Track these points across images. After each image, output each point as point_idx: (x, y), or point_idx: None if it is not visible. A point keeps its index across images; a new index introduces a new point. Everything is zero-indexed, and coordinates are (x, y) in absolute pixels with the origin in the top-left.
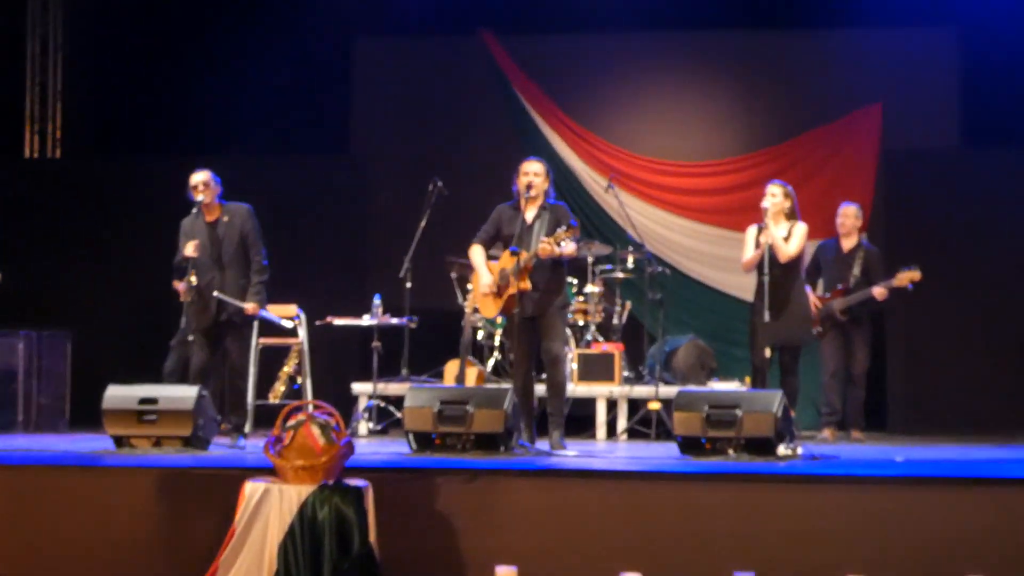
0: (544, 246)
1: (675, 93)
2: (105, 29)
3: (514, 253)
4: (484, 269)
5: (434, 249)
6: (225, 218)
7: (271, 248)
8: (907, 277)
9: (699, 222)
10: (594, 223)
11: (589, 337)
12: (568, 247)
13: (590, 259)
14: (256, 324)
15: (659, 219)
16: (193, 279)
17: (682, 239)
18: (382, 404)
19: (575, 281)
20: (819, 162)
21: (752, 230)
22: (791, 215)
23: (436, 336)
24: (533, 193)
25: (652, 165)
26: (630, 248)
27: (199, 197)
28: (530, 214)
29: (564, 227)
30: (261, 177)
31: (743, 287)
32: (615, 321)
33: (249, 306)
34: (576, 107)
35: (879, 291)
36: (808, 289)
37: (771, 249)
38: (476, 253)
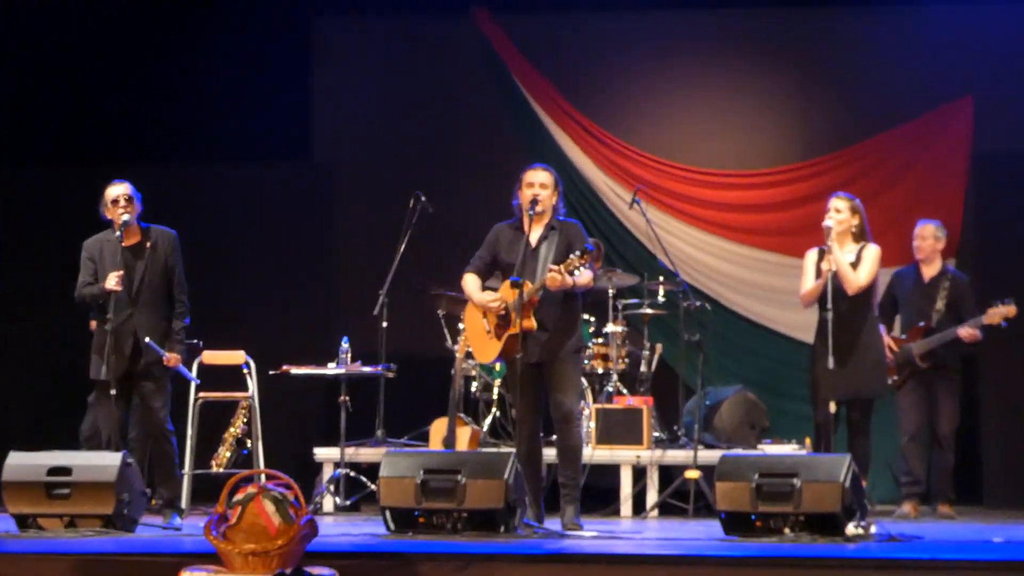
0: (553, 275)
1: (716, 86)
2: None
3: (516, 284)
4: (480, 295)
5: (415, 279)
6: (148, 244)
7: (212, 278)
8: (1001, 313)
9: (747, 245)
10: (616, 247)
11: (610, 389)
12: (583, 276)
13: (611, 291)
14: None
15: (697, 241)
16: (109, 318)
17: (726, 266)
18: (352, 474)
19: (592, 319)
20: (895, 170)
21: (812, 255)
22: (860, 235)
23: (419, 388)
24: (539, 209)
25: (688, 175)
26: (661, 278)
27: (122, 216)
28: (535, 235)
29: (578, 252)
30: (198, 190)
31: (802, 326)
32: (643, 369)
33: (171, 356)
34: (592, 103)
35: (968, 332)
36: (882, 328)
37: (836, 278)
38: (470, 283)
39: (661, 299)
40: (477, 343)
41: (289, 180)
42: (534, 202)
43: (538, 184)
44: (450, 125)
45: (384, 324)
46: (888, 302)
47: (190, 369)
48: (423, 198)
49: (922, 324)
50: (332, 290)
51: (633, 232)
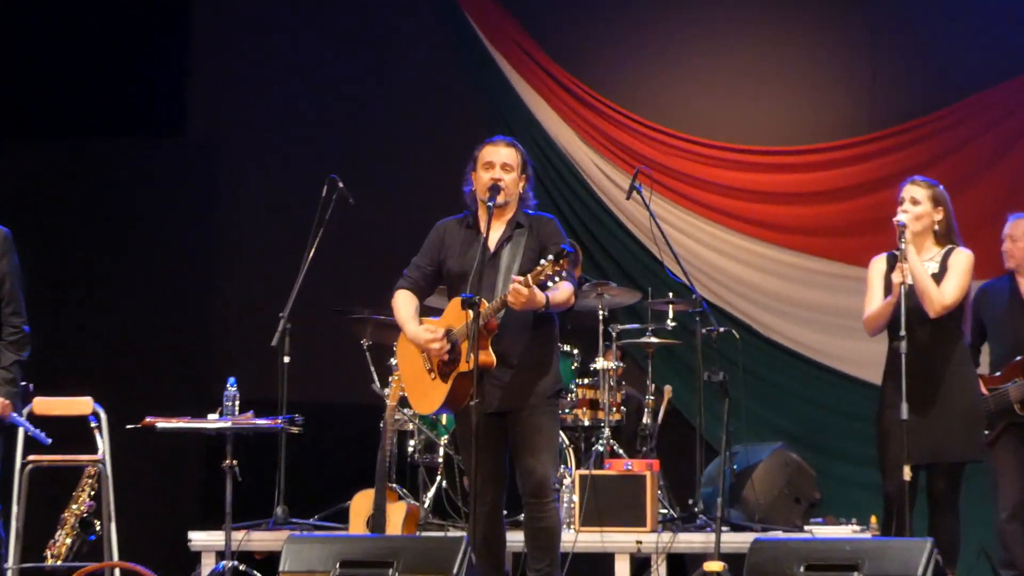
0: (518, 289)
1: (747, 36)
2: None
3: (468, 304)
4: (415, 324)
5: (331, 297)
6: None
7: (49, 294)
8: None
9: (790, 249)
10: (609, 251)
11: (601, 448)
12: (560, 290)
13: (602, 313)
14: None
15: (722, 244)
16: None
17: (761, 278)
18: (242, 567)
19: (575, 351)
20: (990, 148)
21: (879, 263)
22: (946, 236)
23: (335, 449)
24: (501, 200)
25: (710, 153)
26: (671, 295)
27: None
28: (496, 236)
29: (551, 255)
30: (32, 173)
31: (865, 360)
32: (646, 420)
33: None
34: (578, 56)
35: None
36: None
37: (912, 295)
38: (402, 304)
39: (671, 323)
40: (415, 386)
41: (156, 161)
42: (494, 189)
43: (499, 165)
44: (378, 89)
45: (286, 359)
46: (975, 328)
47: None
48: (340, 184)
49: (1020, 358)
50: (213, 312)
51: (632, 231)
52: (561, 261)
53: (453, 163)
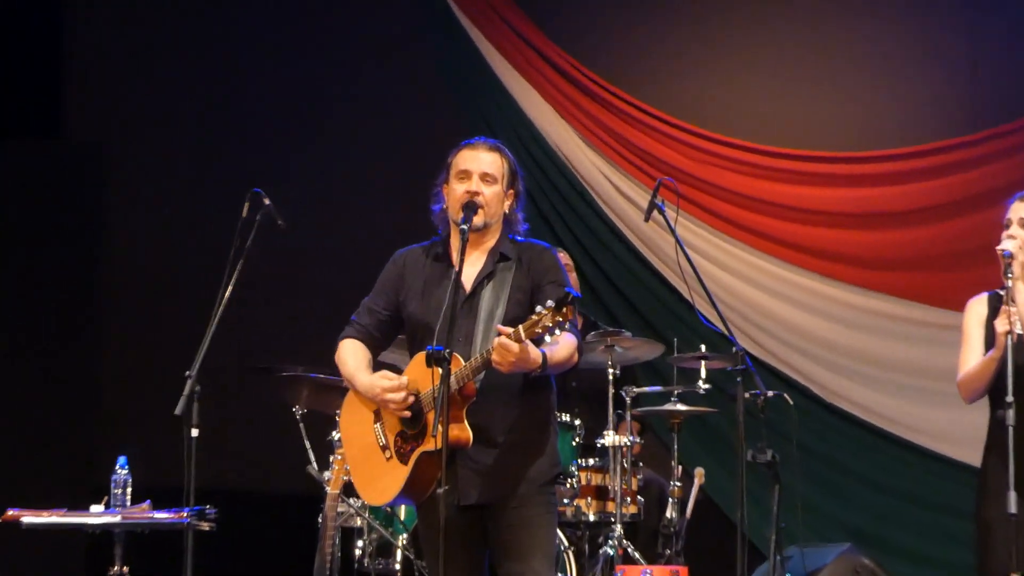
0: (506, 345)
1: (800, 3)
2: None
3: (436, 359)
4: (367, 377)
5: (254, 350)
6: None
7: None
8: None
9: (858, 287)
10: (622, 291)
11: (610, 550)
12: (561, 347)
13: (613, 372)
14: None
15: (769, 279)
16: None
17: (820, 325)
18: None
19: (577, 423)
20: None
21: (978, 306)
22: None
23: (258, 550)
24: (480, 221)
25: (754, 159)
26: (704, 348)
27: None
28: (472, 269)
29: (551, 302)
30: None
31: (958, 434)
32: (670, 514)
33: None
34: (577, 32)
35: None
36: None
37: (1023, 347)
38: (349, 353)
39: (704, 386)
40: (365, 469)
41: (27, 169)
42: (471, 207)
43: (478, 175)
44: (317, 78)
45: (194, 433)
46: None
47: None
48: (266, 201)
49: None
50: (98, 368)
51: (652, 263)
52: (565, 310)
53: (416, 175)
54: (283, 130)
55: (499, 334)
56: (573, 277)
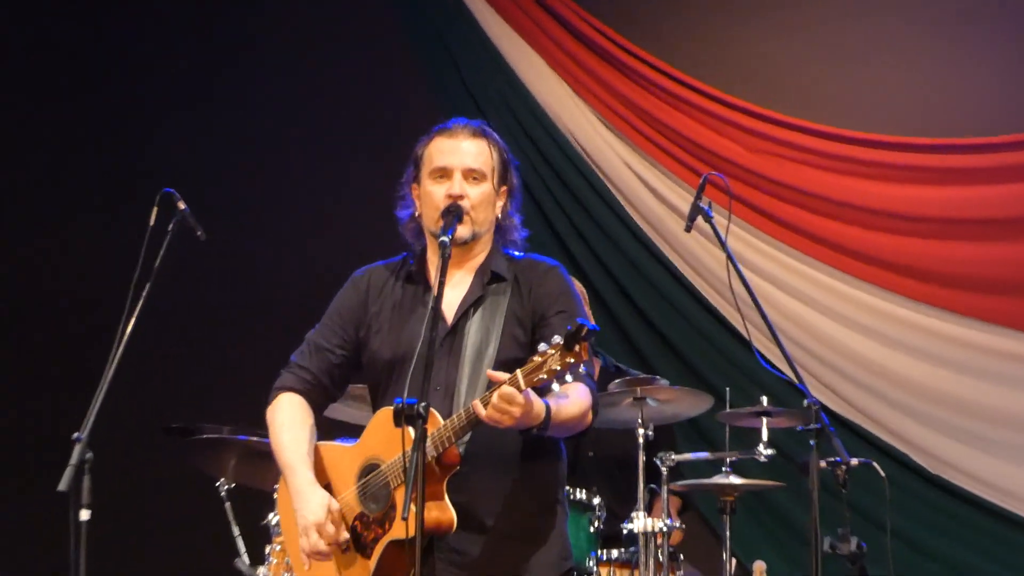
0: (505, 395)
1: None
2: None
3: (407, 414)
4: (306, 474)
5: (163, 406)
6: None
7: None
8: None
9: (971, 318)
10: (654, 323)
11: None
12: (573, 400)
13: (645, 432)
14: None
15: (853, 308)
16: None
17: (923, 370)
18: None
19: (597, 501)
20: None
21: None
22: None
23: None
24: (466, 233)
25: (831, 148)
26: (764, 399)
27: None
28: (455, 293)
29: (561, 340)
30: None
31: None
32: None
33: None
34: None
35: None
36: None
37: None
38: (285, 417)
39: (765, 452)
40: (313, 564)
41: None
42: (452, 214)
43: (461, 171)
44: (249, 54)
45: (84, 515)
46: None
47: None
48: (182, 206)
49: None
50: None
51: (696, 286)
52: (578, 348)
53: (384, 170)
54: (206, 120)
55: (492, 382)
56: (589, 311)
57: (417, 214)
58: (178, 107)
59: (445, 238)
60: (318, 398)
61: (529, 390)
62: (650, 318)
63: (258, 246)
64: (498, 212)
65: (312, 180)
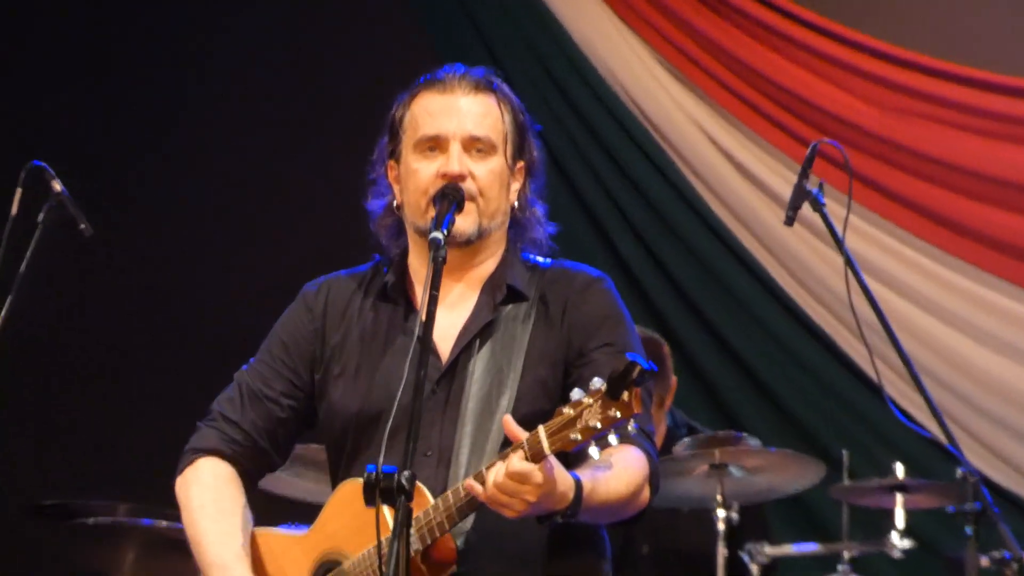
0: (519, 471)
1: None
2: None
3: (383, 488)
4: (238, 570)
5: (40, 474)
6: None
7: None
8: None
9: None
10: (741, 358)
11: None
12: (618, 473)
13: (727, 515)
14: None
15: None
16: None
17: None
18: None
19: None
20: None
21: None
22: None
23: None
24: (470, 228)
25: (987, 104)
26: (898, 467)
27: None
28: (453, 318)
29: (604, 387)
30: None
31: None
32: None
33: None
34: None
35: None
36: None
37: None
38: (200, 496)
39: (902, 544)
40: None
41: None
42: (451, 199)
43: (460, 140)
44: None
45: None
46: None
47: None
48: (58, 187)
49: None
50: None
51: (801, 307)
52: (627, 397)
53: (342, 147)
54: (91, 84)
55: (505, 444)
56: (668, 398)
57: (396, 204)
58: (62, 74)
59: (438, 234)
60: (253, 465)
61: (553, 459)
62: (734, 351)
63: (171, 249)
64: (513, 199)
65: (248, 161)
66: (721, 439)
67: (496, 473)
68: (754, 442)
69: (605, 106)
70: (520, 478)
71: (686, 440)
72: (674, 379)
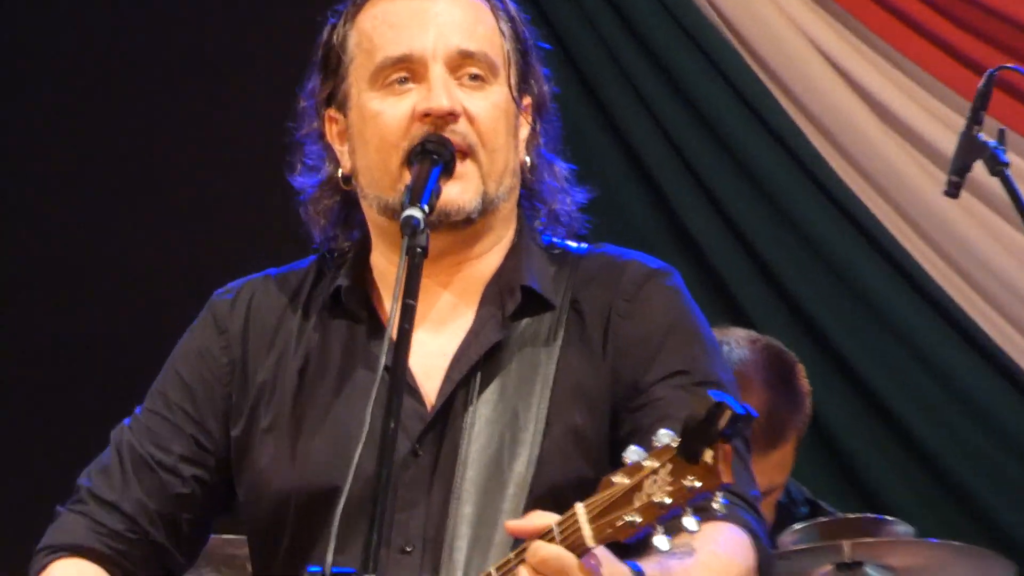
0: (551, 558)
1: None
2: None
3: None
4: None
5: None
6: None
7: None
8: None
9: None
10: (875, 392)
11: None
12: (705, 566)
13: None
14: None
15: None
16: None
17: None
18: None
19: None
20: None
21: None
22: None
23: None
24: (469, 198)
25: None
26: None
27: None
28: (442, 340)
29: (667, 434)
30: None
31: None
32: None
33: None
34: None
35: None
36: None
37: None
38: None
39: None
40: None
41: None
42: (434, 155)
43: (443, 55)
44: None
45: None
46: None
47: None
48: None
49: None
50: None
51: (973, 319)
52: (709, 459)
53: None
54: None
55: (522, 559)
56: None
57: (342, 172)
58: None
59: (415, 211)
60: (141, 567)
61: (603, 552)
62: (865, 384)
63: (35, 243)
64: (523, 153)
65: (142, 123)
66: (854, 524)
67: (532, 561)
68: (904, 528)
69: (672, 16)
70: (556, 567)
71: (802, 526)
72: (809, 410)
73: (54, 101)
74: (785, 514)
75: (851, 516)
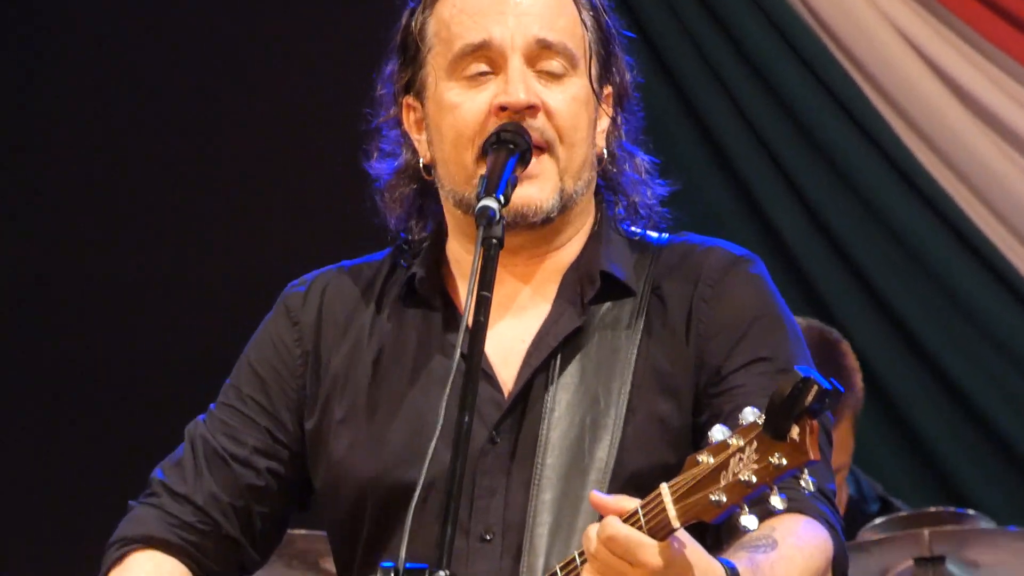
0: (623, 539)
1: None
2: None
3: None
4: None
5: None
6: None
7: None
8: None
9: None
10: (969, 400)
11: None
12: (791, 556)
13: None
14: None
15: None
16: None
17: None
18: None
19: None
20: None
21: None
22: None
23: None
24: (546, 196)
25: None
26: None
27: None
28: (519, 327)
29: (752, 412)
30: None
31: None
32: None
33: None
34: None
35: None
36: None
37: None
38: None
39: None
40: None
41: None
42: (510, 145)
43: (521, 47)
44: None
45: None
46: None
47: None
48: None
49: None
50: None
51: None
52: (796, 435)
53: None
54: None
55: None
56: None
57: (421, 162)
58: None
59: (490, 202)
60: (214, 561)
61: (685, 536)
62: (945, 372)
63: (88, 251)
64: (602, 144)
65: (194, 128)
66: (934, 518)
67: (594, 543)
68: (986, 523)
69: (757, 6)
70: (628, 547)
71: (879, 521)
72: (860, 386)
73: (96, 108)
74: (856, 510)
75: (931, 510)
